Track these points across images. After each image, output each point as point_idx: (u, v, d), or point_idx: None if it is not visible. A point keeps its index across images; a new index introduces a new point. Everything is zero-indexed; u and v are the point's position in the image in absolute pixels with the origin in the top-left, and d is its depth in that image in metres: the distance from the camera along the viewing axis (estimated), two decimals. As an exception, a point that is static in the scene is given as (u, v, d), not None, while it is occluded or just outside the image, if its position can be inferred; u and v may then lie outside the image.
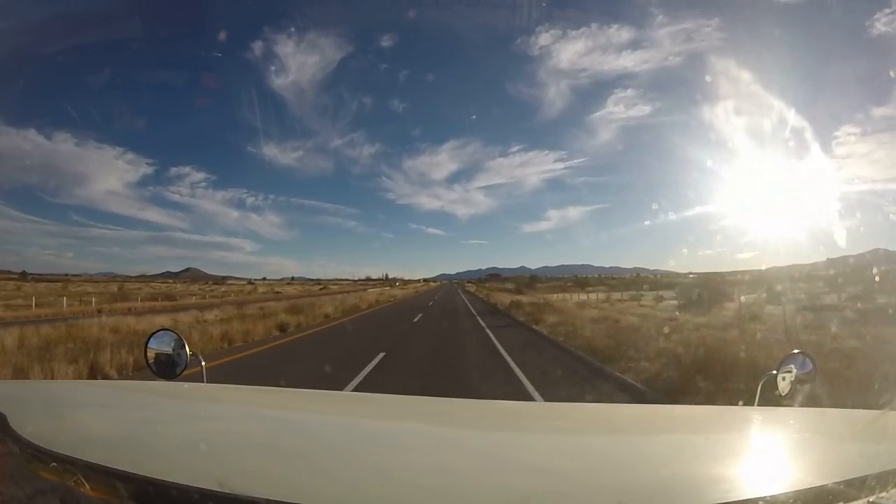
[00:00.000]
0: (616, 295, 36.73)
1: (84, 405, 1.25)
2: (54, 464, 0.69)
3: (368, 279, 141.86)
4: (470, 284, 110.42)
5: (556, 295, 40.73)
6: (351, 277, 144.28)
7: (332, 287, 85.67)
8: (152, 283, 76.27)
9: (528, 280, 74.53)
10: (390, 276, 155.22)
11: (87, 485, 0.65)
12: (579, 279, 67.90)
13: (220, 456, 0.85)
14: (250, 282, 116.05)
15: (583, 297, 36.36)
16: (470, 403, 1.78)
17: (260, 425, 1.16)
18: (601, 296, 36.60)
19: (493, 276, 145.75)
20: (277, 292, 57.32)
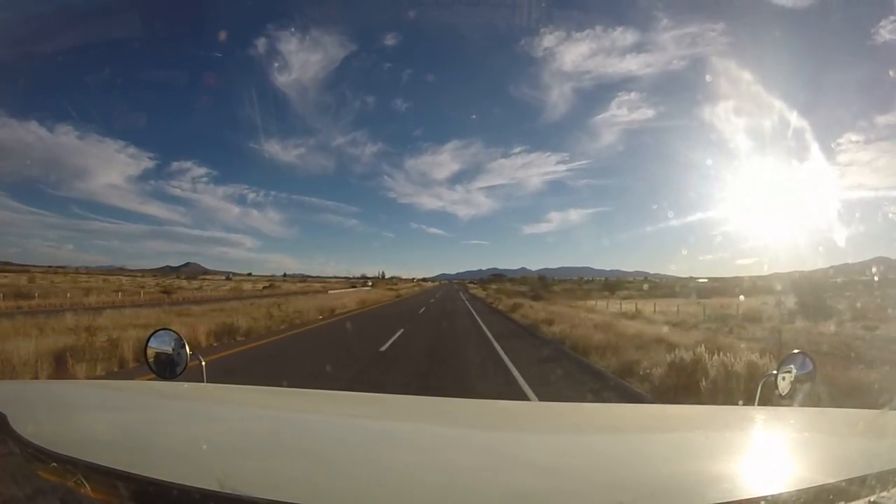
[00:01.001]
0: (675, 302, 24.05)
1: (84, 405, 1.24)
2: (55, 464, 0.69)
3: (364, 277, 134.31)
4: (473, 285, 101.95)
5: (595, 303, 28.76)
6: (347, 276, 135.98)
7: (284, 287, 66.17)
8: (109, 277, 69.39)
9: (538, 281, 63.76)
10: (387, 276, 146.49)
11: (87, 485, 0.65)
12: (609, 282, 57.68)
13: (220, 456, 0.85)
14: (228, 277, 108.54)
15: (653, 306, 23.87)
16: (470, 403, 1.78)
17: (260, 425, 1.14)
18: (666, 304, 24.50)
19: (497, 277, 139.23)
20: (164, 293, 36.55)
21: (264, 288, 54.10)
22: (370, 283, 79.49)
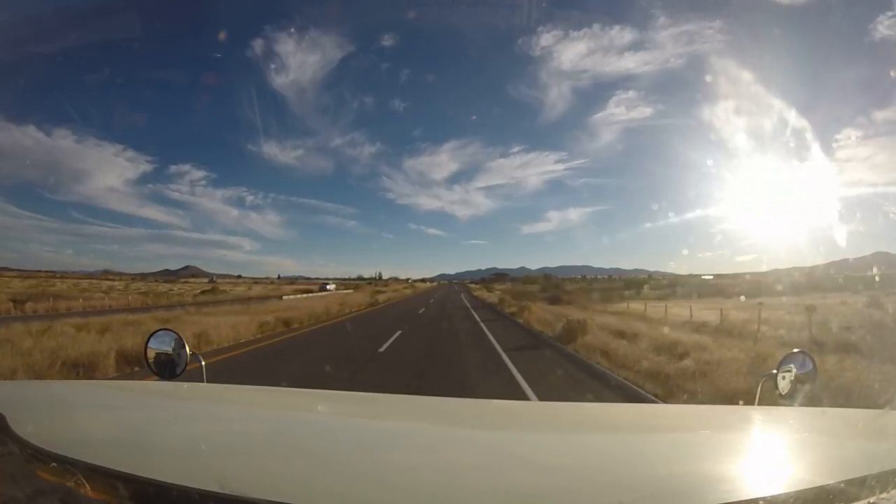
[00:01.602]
0: (723, 304, 16.33)
1: (84, 405, 1.23)
2: (54, 464, 0.69)
3: (360, 278, 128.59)
4: (474, 286, 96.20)
5: (644, 307, 21.90)
6: (347, 277, 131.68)
7: (231, 291, 51.31)
8: (75, 280, 64.41)
9: (547, 281, 57.15)
10: (385, 276, 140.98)
11: (87, 485, 0.65)
12: (631, 280, 51.53)
13: (220, 456, 0.84)
14: (212, 280, 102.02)
15: (717, 310, 16.59)
16: (470, 403, 1.78)
17: (260, 425, 1.14)
18: (732, 307, 17.41)
19: (499, 276, 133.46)
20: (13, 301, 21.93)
21: (202, 293, 45.05)
22: (330, 287, 62.34)
